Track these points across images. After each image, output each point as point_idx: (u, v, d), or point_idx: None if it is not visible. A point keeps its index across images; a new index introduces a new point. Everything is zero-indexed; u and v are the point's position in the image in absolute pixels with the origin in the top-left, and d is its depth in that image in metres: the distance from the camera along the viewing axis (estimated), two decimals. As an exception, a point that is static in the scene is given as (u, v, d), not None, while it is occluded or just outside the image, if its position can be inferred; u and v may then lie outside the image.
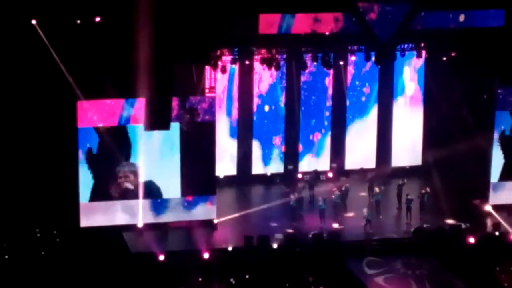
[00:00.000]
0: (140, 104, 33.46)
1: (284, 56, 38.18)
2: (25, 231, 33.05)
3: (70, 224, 33.68)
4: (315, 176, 40.03)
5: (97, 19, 32.18)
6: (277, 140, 40.75)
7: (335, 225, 35.33)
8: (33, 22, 31.70)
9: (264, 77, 39.98)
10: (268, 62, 37.35)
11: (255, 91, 40.03)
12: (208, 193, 35.21)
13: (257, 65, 38.60)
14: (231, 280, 31.87)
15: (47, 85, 32.88)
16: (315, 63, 38.25)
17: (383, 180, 39.63)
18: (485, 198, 37.29)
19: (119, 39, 31.94)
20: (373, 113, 41.52)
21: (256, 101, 40.15)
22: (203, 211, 35.20)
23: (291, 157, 40.82)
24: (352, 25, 34.94)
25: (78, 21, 31.53)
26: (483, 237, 34.75)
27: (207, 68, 36.12)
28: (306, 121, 40.91)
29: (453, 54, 37.24)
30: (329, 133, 41.25)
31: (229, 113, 39.92)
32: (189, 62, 33.82)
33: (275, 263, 32.64)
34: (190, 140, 34.47)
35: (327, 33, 35.10)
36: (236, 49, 37.01)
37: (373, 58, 36.91)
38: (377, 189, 37.32)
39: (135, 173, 34.33)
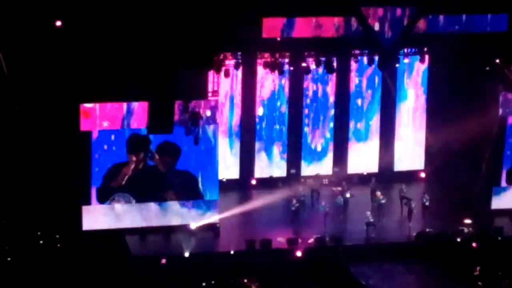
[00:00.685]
0: (143, 107, 33.53)
1: (287, 60, 38.20)
2: (27, 233, 33.06)
3: (72, 227, 33.70)
4: (317, 180, 40.04)
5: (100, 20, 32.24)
6: (280, 144, 40.74)
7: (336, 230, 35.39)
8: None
9: (267, 81, 39.96)
10: (271, 66, 37.39)
11: (258, 96, 40.02)
12: (211, 196, 35.22)
13: (260, 70, 38.62)
14: (233, 283, 31.87)
15: (50, 87, 32.90)
16: (318, 68, 38.24)
17: (386, 185, 39.70)
18: (487, 203, 37.28)
19: (123, 42, 31.97)
20: (376, 117, 41.50)
21: (258, 105, 40.15)
22: (207, 214, 35.21)
23: (294, 161, 40.80)
24: (354, 31, 35.02)
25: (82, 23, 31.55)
26: (485, 241, 34.73)
27: (210, 72, 36.15)
28: (309, 125, 40.86)
29: (456, 58, 37.15)
30: (332, 137, 41.22)
31: (232, 117, 39.93)
32: (193, 66, 33.80)
33: (278, 267, 32.65)
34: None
35: (330, 37, 35.12)
36: (239, 53, 37.07)
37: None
38: (378, 193, 37.34)
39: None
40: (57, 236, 33.16)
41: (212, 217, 35.28)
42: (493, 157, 37.46)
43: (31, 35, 31.79)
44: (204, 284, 31.35)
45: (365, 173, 40.93)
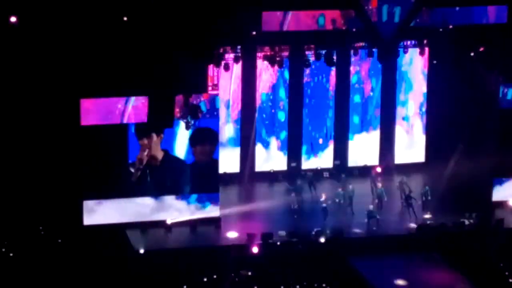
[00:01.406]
0: (143, 102, 33.54)
1: (287, 53, 38.18)
2: (28, 229, 33.07)
3: (73, 222, 33.71)
4: (316, 173, 40.05)
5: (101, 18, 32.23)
6: (279, 137, 40.78)
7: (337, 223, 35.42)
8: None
9: (267, 75, 39.94)
10: (271, 60, 37.36)
11: (258, 89, 40.01)
12: (212, 190, 35.24)
13: (259, 63, 38.59)
14: (235, 277, 31.90)
15: (50, 83, 32.87)
16: (318, 61, 38.23)
17: (386, 177, 39.72)
18: (488, 194, 37.30)
19: (123, 37, 31.95)
20: (377, 110, 41.48)
21: (258, 98, 40.13)
22: (208, 208, 35.23)
23: (294, 155, 40.80)
24: (353, 23, 35.03)
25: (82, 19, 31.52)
26: (487, 233, 34.76)
27: (210, 65, 36.13)
28: (309, 118, 40.86)
29: (456, 50, 37.15)
30: (333, 130, 41.20)
31: (232, 110, 39.95)
32: (192, 60, 33.78)
33: (279, 260, 32.68)
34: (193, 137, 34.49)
35: (329, 30, 35.14)
36: (239, 47, 37.04)
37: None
38: (379, 185, 37.36)
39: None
40: (58, 231, 33.18)
41: (213, 211, 35.28)
42: (492, 149, 37.45)
43: (30, 29, 31.81)
44: (205, 279, 31.39)
45: (365, 166, 40.90)
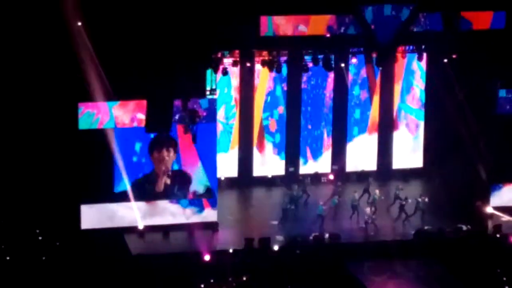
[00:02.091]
0: (141, 106, 33.55)
1: (285, 58, 38.19)
2: (26, 233, 33.04)
3: (70, 226, 33.69)
4: (314, 178, 40.03)
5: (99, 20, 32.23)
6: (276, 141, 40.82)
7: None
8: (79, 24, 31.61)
9: (265, 79, 39.96)
10: (269, 65, 37.37)
11: (257, 94, 40.04)
12: (209, 195, 35.24)
13: (258, 68, 38.61)
14: (232, 282, 31.88)
15: (48, 86, 32.87)
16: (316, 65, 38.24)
17: (383, 182, 39.75)
18: (486, 200, 37.32)
19: (121, 41, 31.96)
20: (374, 115, 41.50)
21: (257, 103, 40.18)
22: (205, 213, 35.23)
23: (292, 159, 40.79)
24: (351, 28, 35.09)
25: (79, 23, 31.49)
26: (484, 239, 34.77)
27: (208, 70, 36.13)
28: (307, 123, 40.88)
29: (454, 56, 37.18)
30: (331, 135, 41.21)
31: (230, 115, 39.96)
32: (191, 65, 33.79)
33: (276, 265, 32.66)
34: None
35: (328, 35, 35.19)
36: (237, 52, 37.05)
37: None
38: (376, 191, 37.39)
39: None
40: (55, 235, 33.16)
41: (211, 216, 35.27)
42: (491, 155, 37.46)
43: (29, 33, 31.84)
44: (203, 285, 31.39)
45: (363, 171, 40.87)
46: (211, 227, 35.12)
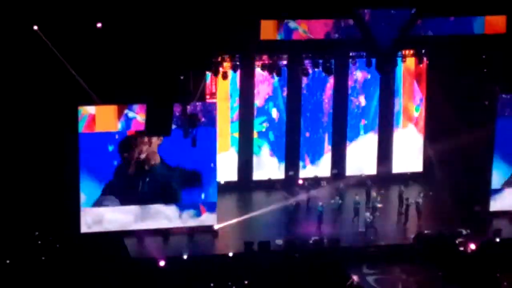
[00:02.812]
0: (141, 110, 33.57)
1: (285, 62, 38.22)
2: (25, 236, 33.03)
3: (70, 230, 33.69)
4: (314, 182, 40.06)
5: (99, 24, 32.21)
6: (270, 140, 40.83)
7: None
8: (35, 28, 31.71)
9: (265, 83, 39.99)
10: (269, 68, 37.40)
11: (256, 98, 40.07)
12: (209, 199, 35.24)
13: (258, 73, 38.64)
14: (232, 286, 31.89)
15: (48, 89, 32.88)
16: (316, 70, 38.28)
17: (382, 186, 39.79)
18: (486, 204, 37.32)
19: (121, 45, 31.98)
20: (375, 119, 41.52)
21: (257, 107, 40.19)
22: (204, 217, 35.23)
23: (292, 163, 40.80)
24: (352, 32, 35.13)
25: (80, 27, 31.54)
26: (484, 243, 34.76)
27: (208, 74, 36.16)
28: (307, 127, 40.89)
29: (454, 60, 37.22)
30: (331, 138, 41.23)
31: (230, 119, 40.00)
32: (191, 68, 33.81)
33: (276, 268, 32.66)
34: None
35: (327, 39, 35.24)
36: (237, 55, 37.07)
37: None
38: (374, 194, 37.39)
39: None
40: (56, 238, 33.18)
41: (210, 220, 35.28)
42: (491, 159, 37.47)
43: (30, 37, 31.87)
44: (200, 285, 31.43)
45: (363, 175, 40.88)
46: (210, 231, 35.11)
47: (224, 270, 32.27)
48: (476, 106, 37.88)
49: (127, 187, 34.43)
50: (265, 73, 38.22)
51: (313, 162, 41.03)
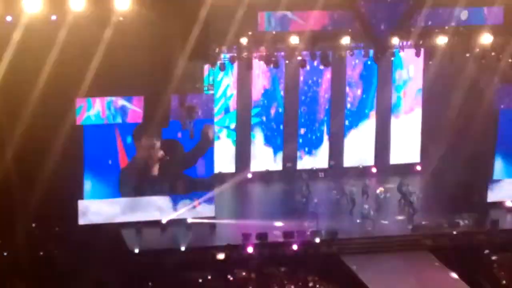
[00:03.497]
0: (139, 101, 33.56)
1: (283, 53, 38.15)
2: (23, 228, 33.04)
3: (68, 222, 33.72)
4: (312, 174, 40.11)
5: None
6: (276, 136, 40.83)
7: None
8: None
9: (263, 75, 39.96)
10: (266, 60, 37.33)
11: (254, 90, 40.04)
12: (207, 190, 35.27)
13: (255, 64, 38.61)
14: (229, 277, 31.93)
15: (46, 81, 32.80)
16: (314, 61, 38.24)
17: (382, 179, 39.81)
18: (484, 195, 37.35)
19: (117, 37, 31.92)
20: (372, 110, 41.52)
21: (254, 98, 40.17)
22: (202, 208, 35.25)
23: (290, 155, 40.81)
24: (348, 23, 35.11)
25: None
26: (481, 234, 34.81)
27: (206, 66, 36.13)
28: (305, 119, 40.89)
29: (452, 51, 37.17)
30: (328, 130, 41.24)
31: (227, 110, 39.95)
32: (188, 60, 33.77)
33: (273, 259, 32.71)
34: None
35: (325, 30, 35.20)
36: (234, 47, 36.99)
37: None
38: (382, 189, 37.45)
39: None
40: (53, 230, 33.23)
41: (208, 211, 35.32)
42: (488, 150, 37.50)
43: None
44: (200, 280, 31.43)
45: (360, 166, 40.90)
46: (208, 222, 35.17)
47: (222, 261, 32.31)
48: (475, 97, 37.87)
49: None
50: (262, 64, 38.17)
51: (311, 152, 41.06)
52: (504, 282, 32.66)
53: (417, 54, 39.62)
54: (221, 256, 32.56)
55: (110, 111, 33.83)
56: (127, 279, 31.32)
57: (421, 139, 42.02)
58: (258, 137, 40.58)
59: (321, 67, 38.63)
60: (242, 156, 40.21)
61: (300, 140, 40.90)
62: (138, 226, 34.37)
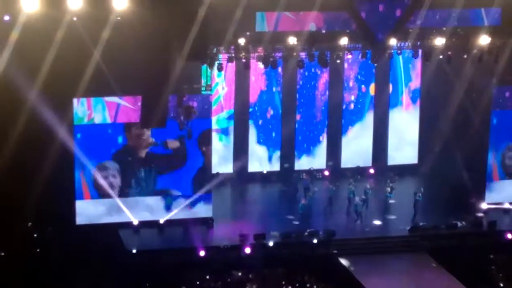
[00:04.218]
0: (137, 101, 33.53)
1: (281, 54, 38.15)
2: (20, 228, 33.00)
3: (66, 222, 33.68)
4: (312, 174, 40.12)
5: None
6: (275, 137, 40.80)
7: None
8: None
9: (260, 75, 39.97)
10: (264, 60, 37.31)
11: (252, 90, 40.05)
12: (205, 191, 35.25)
13: (253, 64, 38.59)
14: (227, 278, 31.90)
15: (44, 82, 32.77)
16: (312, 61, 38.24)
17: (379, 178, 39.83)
18: (481, 197, 37.38)
19: (115, 36, 31.90)
20: (370, 111, 41.54)
21: (252, 98, 40.17)
22: (200, 209, 35.22)
23: (287, 156, 40.80)
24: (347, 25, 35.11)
25: (75, 18, 31.40)
26: (479, 235, 34.83)
27: (204, 66, 36.12)
28: (302, 120, 40.90)
29: (449, 52, 37.22)
30: (326, 131, 41.24)
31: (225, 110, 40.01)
32: (186, 60, 33.75)
33: (271, 260, 32.70)
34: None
35: (323, 31, 35.21)
36: (232, 47, 36.99)
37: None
38: (389, 189, 37.62)
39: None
40: (50, 229, 33.18)
41: (206, 211, 35.27)
42: (486, 152, 37.53)
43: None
44: (198, 282, 31.40)
45: (359, 167, 40.92)
46: (206, 223, 35.13)
47: (220, 262, 32.29)
48: (472, 99, 37.89)
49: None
50: (261, 65, 38.16)
51: (308, 153, 41.06)
52: (501, 284, 32.64)
53: (415, 55, 39.67)
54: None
55: (104, 111, 33.78)
56: (125, 279, 31.27)
57: (418, 140, 42.03)
58: (254, 137, 40.58)
59: (318, 71, 38.70)
60: (240, 157, 40.18)
61: (299, 138, 40.91)
62: (134, 226, 34.38)
